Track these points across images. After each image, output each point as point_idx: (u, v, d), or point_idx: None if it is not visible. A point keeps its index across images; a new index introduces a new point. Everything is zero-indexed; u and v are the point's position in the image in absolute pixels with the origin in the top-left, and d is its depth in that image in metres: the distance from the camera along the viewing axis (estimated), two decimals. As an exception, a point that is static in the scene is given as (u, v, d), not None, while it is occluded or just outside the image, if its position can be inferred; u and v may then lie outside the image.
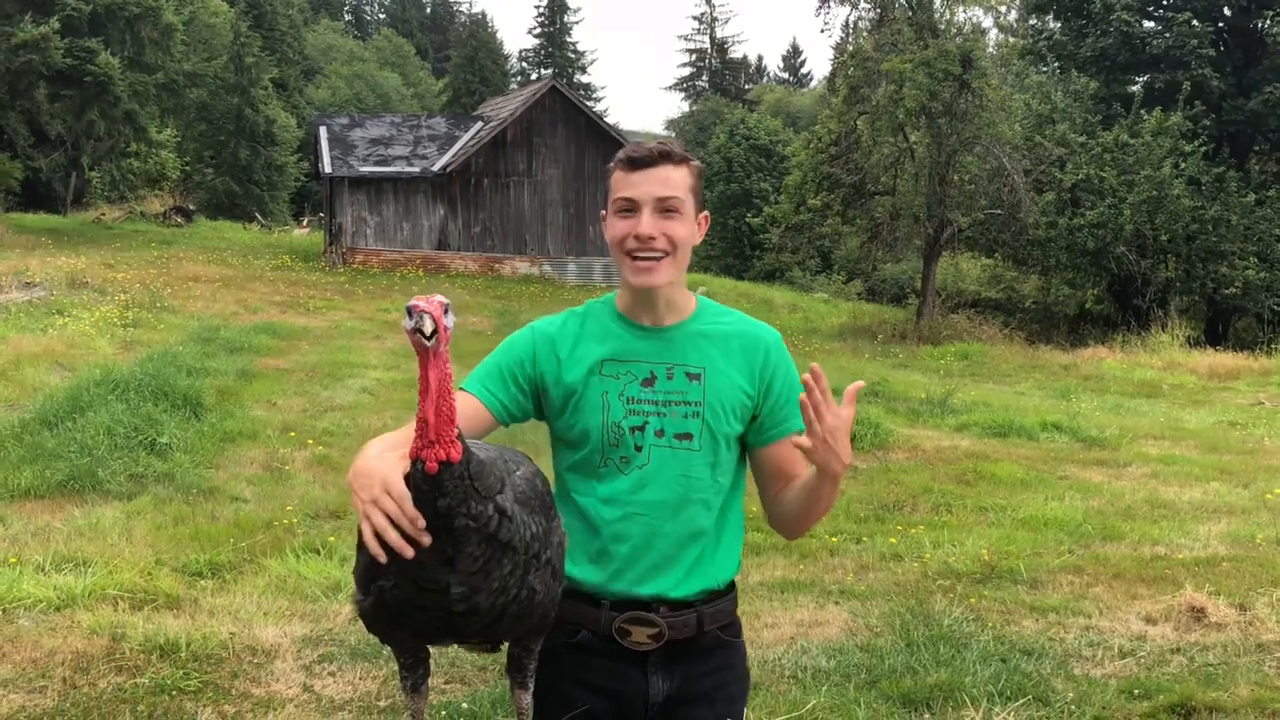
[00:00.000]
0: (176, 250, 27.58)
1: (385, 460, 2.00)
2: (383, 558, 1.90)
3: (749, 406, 2.43)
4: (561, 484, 2.48)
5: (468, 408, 2.29)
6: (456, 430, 1.86)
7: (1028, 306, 32.90)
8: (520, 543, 1.94)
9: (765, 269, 42.81)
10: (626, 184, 2.33)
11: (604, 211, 2.43)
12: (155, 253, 26.08)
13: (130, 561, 6.36)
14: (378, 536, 1.91)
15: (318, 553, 6.89)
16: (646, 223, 2.30)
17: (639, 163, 2.32)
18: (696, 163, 2.40)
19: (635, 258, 2.33)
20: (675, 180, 2.33)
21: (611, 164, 2.40)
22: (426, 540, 1.88)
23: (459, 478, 1.85)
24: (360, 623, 2.13)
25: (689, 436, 2.37)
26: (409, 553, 1.89)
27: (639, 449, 2.37)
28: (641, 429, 2.37)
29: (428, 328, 1.80)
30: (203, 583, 6.33)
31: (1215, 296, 28.33)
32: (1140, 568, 7.37)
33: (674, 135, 71.64)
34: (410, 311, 1.82)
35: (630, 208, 2.33)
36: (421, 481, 1.85)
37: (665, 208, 2.32)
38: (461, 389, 2.37)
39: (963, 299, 32.08)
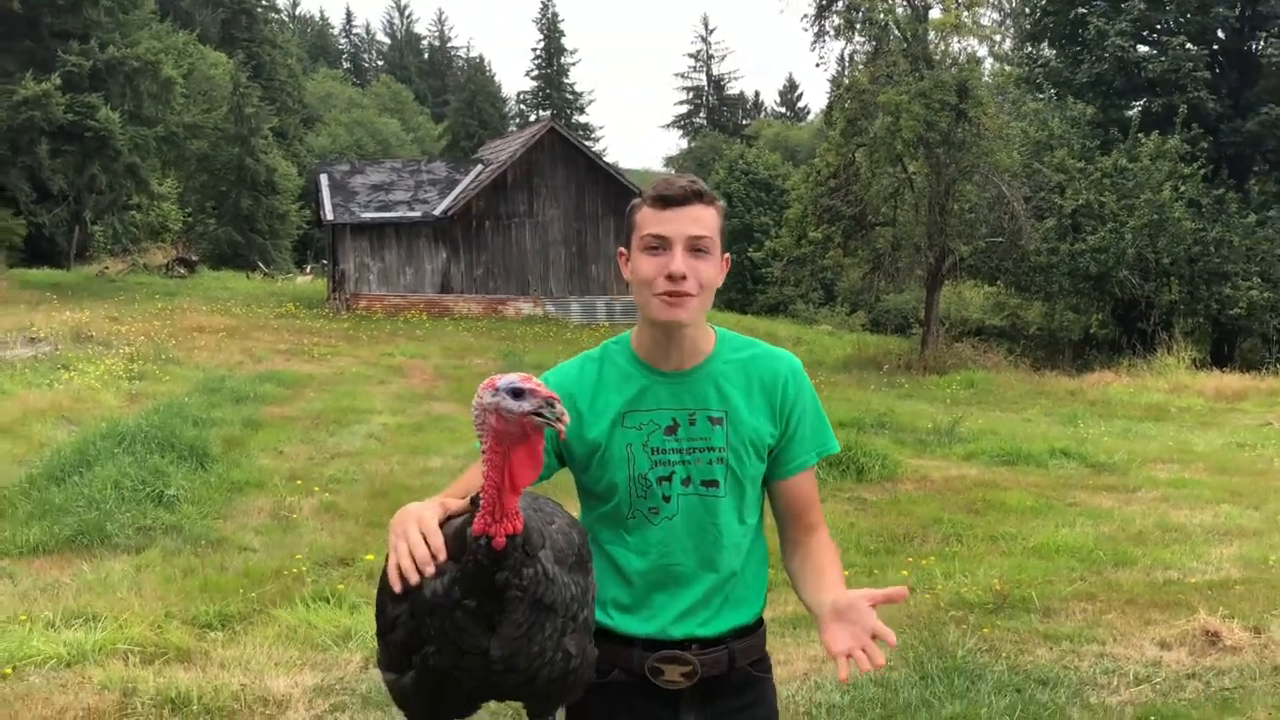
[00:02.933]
0: (180, 301, 27.70)
1: (425, 504, 2.03)
2: (398, 586, 1.90)
3: (771, 445, 2.44)
4: (590, 532, 2.47)
5: None
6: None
7: (1032, 333, 32.95)
8: (561, 604, 1.94)
9: (768, 303, 42.96)
10: (658, 221, 2.30)
11: (623, 250, 2.40)
12: (159, 304, 26.20)
13: (140, 615, 6.35)
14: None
15: (327, 601, 6.88)
16: (679, 261, 2.28)
17: (672, 200, 2.30)
18: (722, 203, 2.40)
19: (663, 295, 2.30)
20: (706, 220, 2.31)
21: (638, 200, 2.38)
22: (430, 570, 1.88)
23: (517, 548, 1.86)
24: (373, 670, 2.12)
25: (715, 483, 2.37)
26: (414, 578, 1.89)
27: (667, 499, 2.37)
28: (669, 479, 2.37)
29: (564, 418, 1.83)
30: (213, 634, 6.31)
31: (1220, 318, 28.38)
32: (1153, 593, 7.34)
33: (674, 172, 71.95)
34: (521, 394, 1.82)
35: (661, 245, 2.30)
36: (485, 557, 1.84)
37: (697, 247, 2.30)
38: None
39: (967, 327, 32.11)
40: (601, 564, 2.38)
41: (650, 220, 2.31)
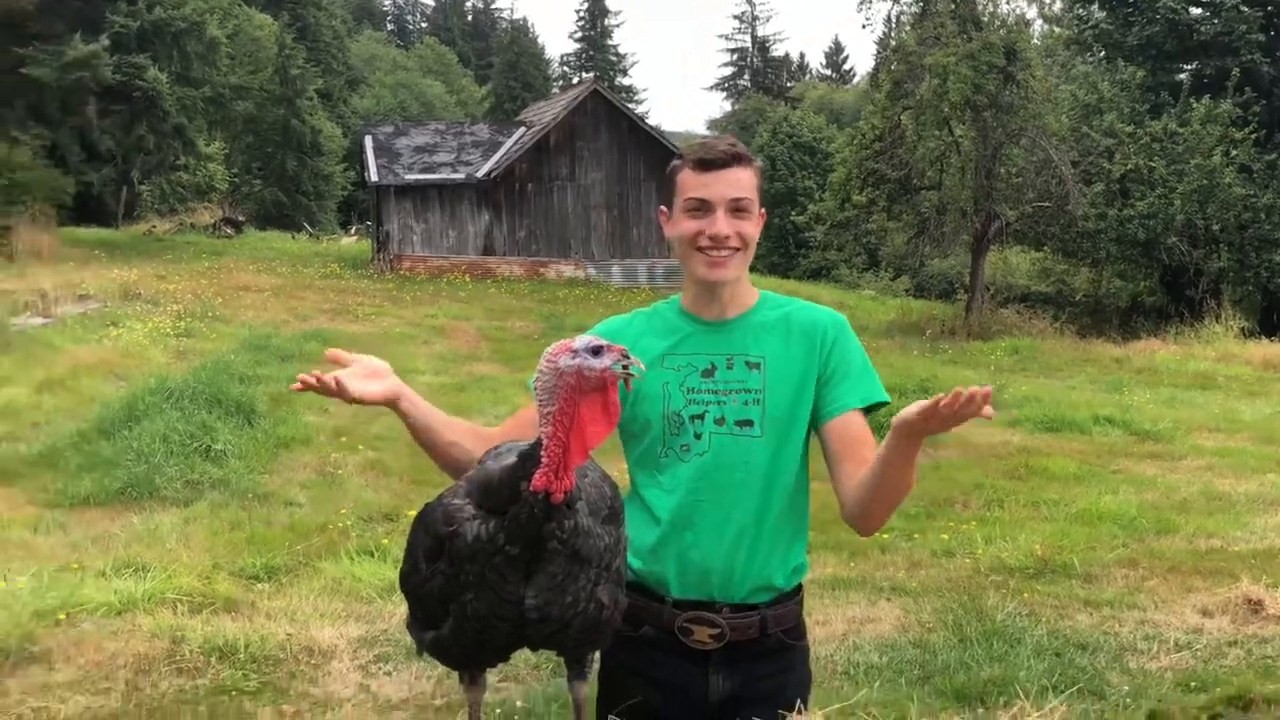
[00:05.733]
0: (227, 260, 27.93)
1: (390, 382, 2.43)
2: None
3: (811, 390, 2.44)
4: (630, 480, 2.52)
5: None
6: None
7: (1078, 300, 32.56)
8: (594, 555, 1.98)
9: (811, 267, 42.67)
10: (698, 184, 2.39)
11: (664, 209, 2.49)
12: (206, 263, 26.43)
13: (188, 566, 6.48)
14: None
15: (371, 555, 6.99)
16: (721, 222, 2.37)
17: (713, 164, 2.38)
18: (759, 162, 2.48)
19: (707, 254, 2.39)
20: (745, 181, 2.39)
21: (678, 163, 2.45)
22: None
23: (567, 504, 1.91)
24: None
25: (750, 423, 2.40)
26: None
27: (698, 436, 2.41)
28: (701, 417, 2.41)
29: (641, 365, 1.89)
30: (259, 586, 6.43)
31: (1269, 285, 27.91)
32: (1196, 560, 7.31)
33: (717, 135, 71.38)
34: (600, 350, 1.88)
35: (702, 207, 2.38)
36: (541, 511, 1.89)
37: (737, 208, 2.39)
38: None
39: (1012, 293, 31.79)
40: (636, 512, 2.41)
41: (692, 183, 2.40)
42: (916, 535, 8.04)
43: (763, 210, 2.48)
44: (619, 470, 2.43)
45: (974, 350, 21.78)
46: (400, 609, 5.91)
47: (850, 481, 2.37)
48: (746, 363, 2.43)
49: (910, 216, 28.18)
